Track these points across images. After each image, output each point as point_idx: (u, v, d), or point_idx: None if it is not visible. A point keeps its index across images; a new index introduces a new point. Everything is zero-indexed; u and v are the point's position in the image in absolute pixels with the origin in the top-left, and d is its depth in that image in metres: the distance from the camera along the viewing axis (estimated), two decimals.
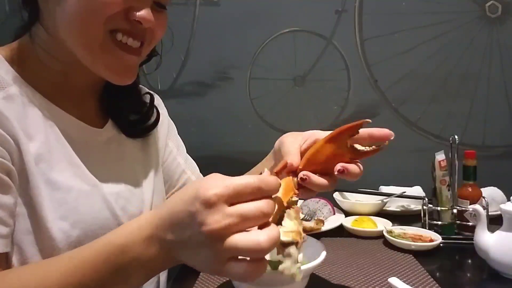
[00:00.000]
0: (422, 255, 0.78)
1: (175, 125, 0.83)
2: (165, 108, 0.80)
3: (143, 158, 0.69)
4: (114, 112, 0.66)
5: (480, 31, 1.22)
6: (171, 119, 0.82)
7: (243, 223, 0.37)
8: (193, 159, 0.86)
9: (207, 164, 0.97)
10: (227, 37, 1.25)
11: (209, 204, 0.36)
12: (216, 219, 0.36)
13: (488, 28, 1.22)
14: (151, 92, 0.74)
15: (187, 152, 0.84)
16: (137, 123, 0.69)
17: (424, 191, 1.12)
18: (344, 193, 1.13)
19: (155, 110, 0.72)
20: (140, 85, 0.71)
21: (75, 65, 0.55)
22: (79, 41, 0.53)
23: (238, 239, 0.36)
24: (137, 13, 0.53)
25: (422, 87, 1.25)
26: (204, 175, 1.03)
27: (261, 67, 1.26)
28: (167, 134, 0.78)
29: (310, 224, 0.91)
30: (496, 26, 1.22)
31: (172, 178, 0.78)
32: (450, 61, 1.24)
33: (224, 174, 0.41)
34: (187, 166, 0.80)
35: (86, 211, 0.54)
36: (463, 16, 1.22)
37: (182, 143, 0.83)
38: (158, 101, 0.77)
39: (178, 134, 0.83)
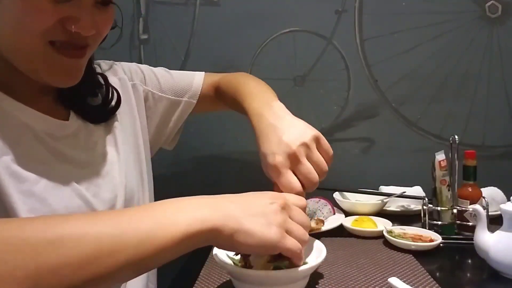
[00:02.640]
0: (422, 255, 0.78)
1: None
2: (125, 65, 0.78)
3: (113, 141, 0.68)
4: (75, 102, 0.65)
5: (480, 31, 1.22)
6: None
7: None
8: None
9: (207, 164, 0.97)
10: (227, 37, 1.25)
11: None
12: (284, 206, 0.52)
13: (488, 28, 1.22)
14: (102, 73, 0.71)
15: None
16: (99, 107, 0.67)
17: (424, 191, 1.12)
18: (344, 193, 1.13)
19: (114, 91, 0.70)
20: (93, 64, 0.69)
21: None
22: (15, 54, 0.52)
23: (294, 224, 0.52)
24: (75, 25, 0.50)
25: (422, 87, 1.25)
26: (204, 175, 1.03)
27: (261, 67, 1.26)
28: (144, 87, 0.79)
29: (310, 224, 0.91)
30: (496, 26, 1.22)
31: (169, 113, 0.83)
32: (450, 61, 1.23)
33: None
34: (167, 91, 0.83)
35: (56, 201, 0.53)
36: (463, 16, 1.22)
37: (162, 73, 0.84)
38: (116, 67, 0.76)
39: None
